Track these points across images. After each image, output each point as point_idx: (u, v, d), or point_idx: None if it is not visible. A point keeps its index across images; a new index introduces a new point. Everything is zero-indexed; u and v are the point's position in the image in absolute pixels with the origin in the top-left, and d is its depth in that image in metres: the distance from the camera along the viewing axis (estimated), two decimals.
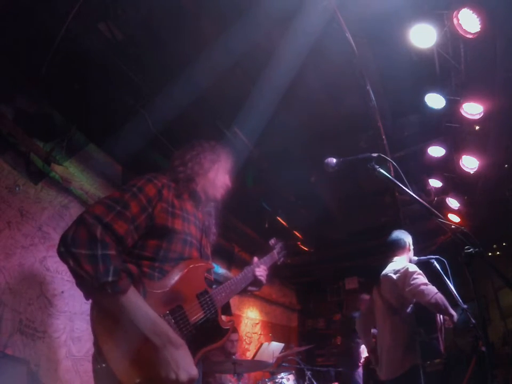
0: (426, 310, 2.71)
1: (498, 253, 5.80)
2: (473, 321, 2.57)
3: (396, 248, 3.13)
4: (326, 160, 1.85)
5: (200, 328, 1.41)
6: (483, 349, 2.55)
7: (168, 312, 1.33)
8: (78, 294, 3.66)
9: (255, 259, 1.88)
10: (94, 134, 3.77)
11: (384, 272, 3.07)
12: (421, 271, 2.83)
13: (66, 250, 1.20)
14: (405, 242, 3.14)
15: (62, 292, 3.26)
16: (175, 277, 1.40)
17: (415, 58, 3.46)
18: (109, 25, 3.06)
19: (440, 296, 2.62)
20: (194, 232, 1.57)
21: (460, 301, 2.68)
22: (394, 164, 1.91)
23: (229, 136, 3.91)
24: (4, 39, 2.80)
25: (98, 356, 1.21)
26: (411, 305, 2.87)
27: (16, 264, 2.96)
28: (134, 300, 1.22)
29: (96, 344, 1.22)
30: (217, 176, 1.76)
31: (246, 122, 3.65)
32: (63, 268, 3.32)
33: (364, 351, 5.22)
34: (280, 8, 2.84)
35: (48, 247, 3.24)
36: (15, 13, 2.73)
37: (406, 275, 2.81)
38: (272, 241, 2.10)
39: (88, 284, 1.17)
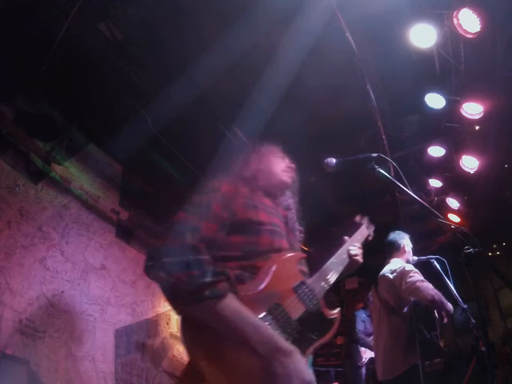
0: (425, 308, 2.72)
1: (498, 253, 5.80)
2: (473, 321, 2.57)
3: (392, 250, 3.14)
4: (325, 160, 1.84)
5: (305, 323, 1.28)
6: (483, 349, 2.56)
7: (265, 313, 1.20)
8: (78, 294, 3.67)
9: (346, 238, 1.74)
10: (94, 134, 3.77)
11: (381, 272, 3.08)
12: (417, 270, 2.84)
13: (155, 263, 1.11)
14: (399, 244, 3.14)
15: (62, 292, 3.27)
16: (267, 274, 1.29)
17: (415, 58, 3.47)
18: (109, 25, 3.06)
19: (436, 292, 2.63)
20: (280, 224, 1.51)
21: (460, 301, 2.69)
22: (394, 164, 1.91)
23: (229, 136, 3.91)
24: (4, 39, 2.80)
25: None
26: (409, 305, 2.87)
27: (16, 264, 2.97)
28: (234, 305, 1.11)
29: (191, 361, 1.13)
30: (274, 165, 1.71)
31: (246, 122, 3.65)
32: (63, 267, 3.32)
33: (366, 352, 5.18)
34: (280, 7, 2.85)
35: (48, 247, 3.24)
36: (15, 13, 2.73)
37: (402, 274, 2.82)
38: (357, 218, 1.98)
39: (182, 292, 1.08)
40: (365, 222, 1.98)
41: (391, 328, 2.86)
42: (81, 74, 3.20)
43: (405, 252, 3.13)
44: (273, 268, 1.31)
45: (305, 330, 1.27)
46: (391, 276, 2.91)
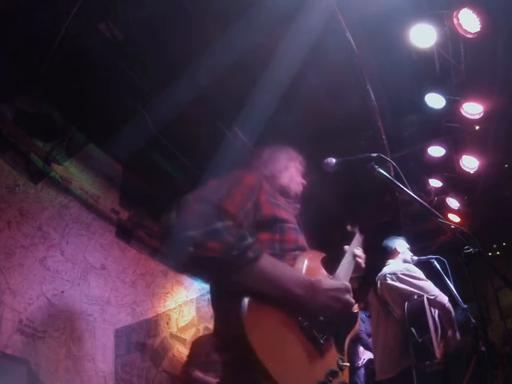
0: (417, 311, 2.73)
1: (498, 253, 5.80)
2: (473, 321, 2.58)
3: (386, 254, 3.22)
4: (325, 160, 1.85)
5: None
6: (483, 349, 2.56)
7: None
8: (78, 294, 3.67)
9: (346, 247, 1.82)
10: (94, 134, 3.76)
11: (380, 273, 3.10)
12: (418, 269, 2.86)
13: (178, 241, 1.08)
14: (390, 248, 3.21)
15: (62, 292, 3.26)
16: (300, 271, 1.32)
17: (415, 58, 3.47)
18: (109, 25, 3.06)
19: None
20: (297, 223, 1.55)
21: (460, 301, 2.69)
22: (394, 164, 1.91)
23: (229, 136, 3.91)
24: (4, 39, 2.81)
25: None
26: (405, 306, 2.88)
27: (16, 264, 2.96)
28: (270, 259, 1.17)
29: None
30: (295, 173, 1.76)
31: (246, 122, 3.65)
32: (63, 267, 3.32)
33: (364, 353, 5.17)
34: (281, 6, 2.84)
35: (48, 247, 3.24)
36: (15, 13, 2.73)
37: (405, 276, 2.83)
38: (349, 227, 2.07)
39: (221, 261, 1.05)
40: (357, 230, 2.05)
41: (389, 329, 2.87)
42: (81, 74, 3.20)
43: (398, 252, 3.18)
44: (305, 265, 1.35)
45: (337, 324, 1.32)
46: (390, 276, 2.93)
